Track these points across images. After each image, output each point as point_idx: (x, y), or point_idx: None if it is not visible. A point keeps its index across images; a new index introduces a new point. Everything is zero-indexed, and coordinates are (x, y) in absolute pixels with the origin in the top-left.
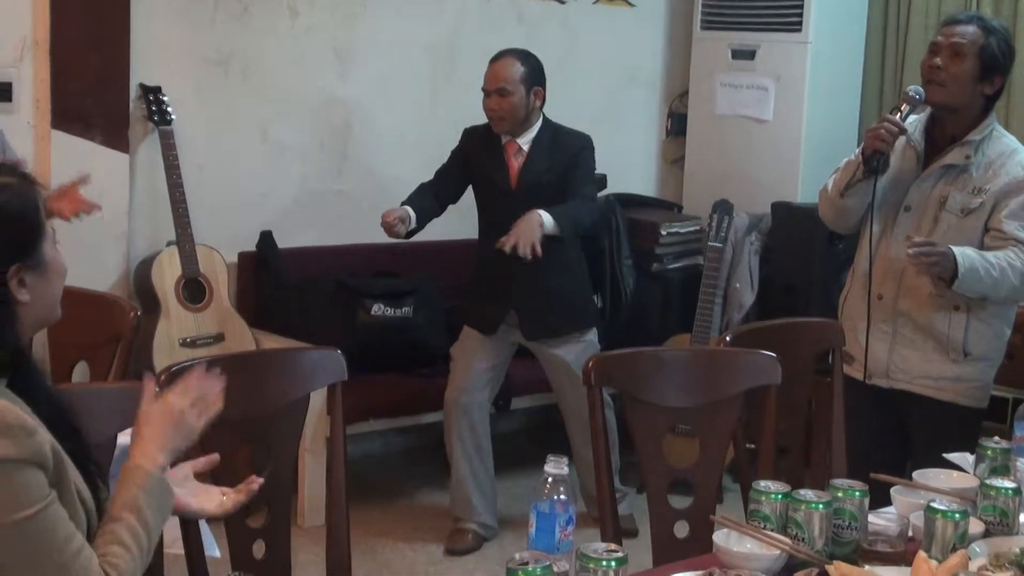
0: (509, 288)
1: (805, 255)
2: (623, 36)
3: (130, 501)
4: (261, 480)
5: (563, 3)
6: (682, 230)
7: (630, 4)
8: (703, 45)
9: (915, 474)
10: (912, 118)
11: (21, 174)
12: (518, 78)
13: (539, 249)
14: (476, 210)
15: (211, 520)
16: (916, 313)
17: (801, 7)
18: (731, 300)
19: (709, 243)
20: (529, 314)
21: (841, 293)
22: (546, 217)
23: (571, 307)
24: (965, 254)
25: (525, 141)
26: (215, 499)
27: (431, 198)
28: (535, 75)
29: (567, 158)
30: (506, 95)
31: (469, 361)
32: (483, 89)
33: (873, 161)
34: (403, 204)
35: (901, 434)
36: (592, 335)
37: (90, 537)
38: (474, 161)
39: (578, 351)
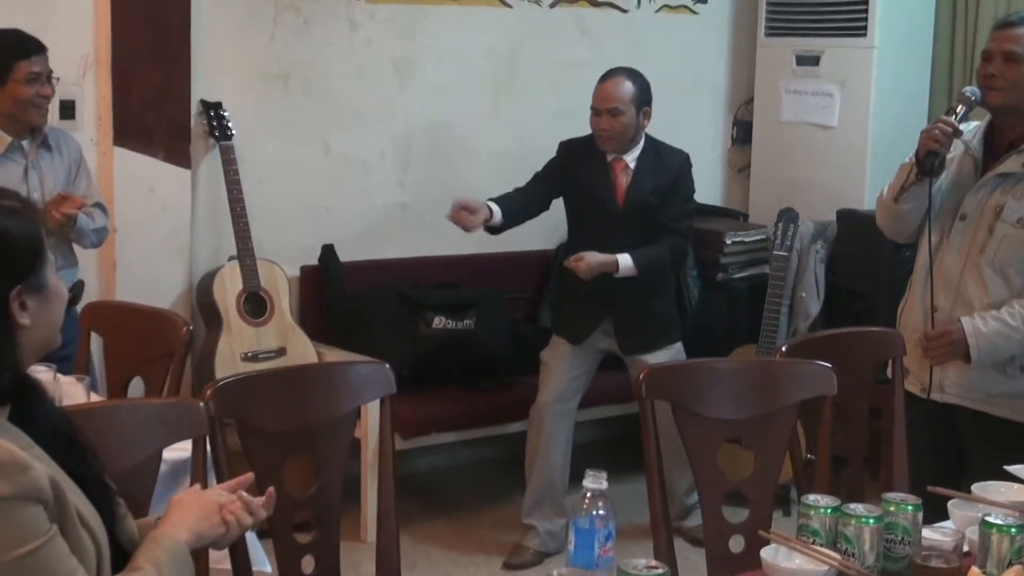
0: (609, 301)
1: (871, 263)
2: (687, 44)
3: (153, 557)
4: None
5: (625, 12)
6: (747, 239)
7: (693, 12)
8: (767, 52)
9: (974, 487)
10: (971, 124)
11: (24, 200)
12: (629, 98)
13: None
14: (545, 221)
15: (261, 535)
16: None
17: (866, 12)
18: (797, 309)
19: (774, 252)
20: (627, 329)
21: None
22: (624, 262)
23: (664, 323)
24: (979, 331)
25: (632, 159)
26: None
27: (521, 200)
28: (645, 94)
29: (670, 178)
30: (618, 115)
31: (562, 368)
32: (593, 107)
33: (926, 162)
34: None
35: (957, 449)
36: (679, 348)
37: (100, 563)
38: (576, 176)
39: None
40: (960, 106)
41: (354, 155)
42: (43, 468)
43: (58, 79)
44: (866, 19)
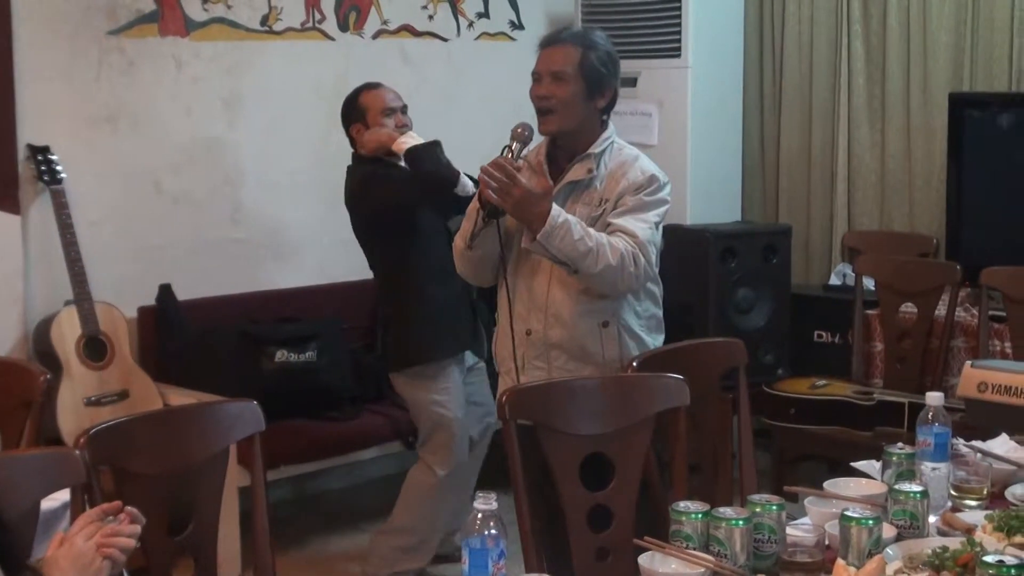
0: None
1: (698, 275)
2: (507, 69)
3: None
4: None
5: (446, 40)
6: None
7: (511, 38)
8: None
9: (826, 484)
10: (530, 147)
11: None
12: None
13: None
14: None
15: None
16: (567, 341)
17: (679, 34)
18: None
19: None
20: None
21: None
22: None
23: (400, 343)
24: (565, 215)
25: None
26: None
27: None
28: None
29: None
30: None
31: None
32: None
33: (489, 206)
34: None
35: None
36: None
37: None
38: None
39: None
40: (515, 143)
41: (186, 193)
42: None
43: None
44: (680, 41)
